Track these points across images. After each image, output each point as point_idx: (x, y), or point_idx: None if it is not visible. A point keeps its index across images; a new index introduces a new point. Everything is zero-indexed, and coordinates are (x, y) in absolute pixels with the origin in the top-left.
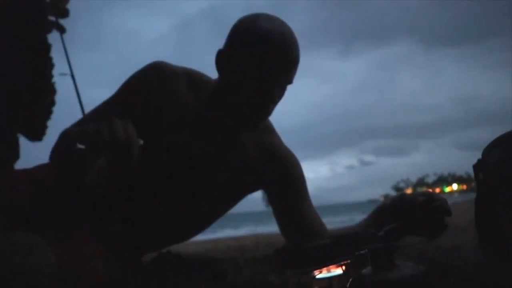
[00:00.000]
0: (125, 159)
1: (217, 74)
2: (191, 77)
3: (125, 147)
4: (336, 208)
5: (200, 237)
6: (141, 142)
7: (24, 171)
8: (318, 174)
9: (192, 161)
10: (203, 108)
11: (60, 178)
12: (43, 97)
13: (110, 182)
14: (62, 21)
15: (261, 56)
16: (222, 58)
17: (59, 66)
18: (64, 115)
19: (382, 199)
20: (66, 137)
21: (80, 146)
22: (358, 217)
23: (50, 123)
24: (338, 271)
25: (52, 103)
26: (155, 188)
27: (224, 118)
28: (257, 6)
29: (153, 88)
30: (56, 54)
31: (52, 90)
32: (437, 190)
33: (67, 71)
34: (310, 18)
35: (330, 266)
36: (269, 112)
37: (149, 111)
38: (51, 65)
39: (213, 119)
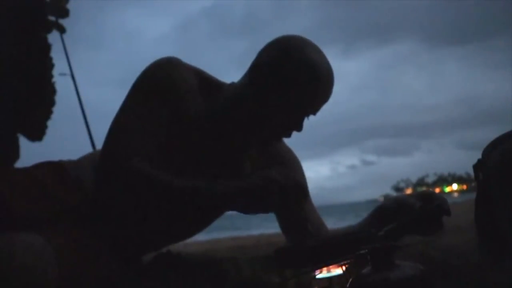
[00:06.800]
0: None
1: (229, 79)
2: (202, 78)
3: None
4: (338, 208)
5: (200, 237)
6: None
7: (23, 170)
8: (319, 173)
9: (199, 163)
10: (217, 112)
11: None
12: (43, 97)
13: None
14: (62, 21)
15: (310, 89)
16: (264, 71)
17: (59, 66)
18: (64, 115)
19: (382, 199)
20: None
21: None
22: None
23: (50, 123)
24: (338, 271)
25: (52, 103)
26: None
27: (242, 128)
28: (259, 6)
29: (178, 87)
30: (56, 54)
31: (52, 90)
32: (437, 190)
33: (67, 71)
34: (312, 17)
35: (330, 266)
36: (287, 137)
37: (174, 112)
38: (51, 65)
39: (227, 125)
